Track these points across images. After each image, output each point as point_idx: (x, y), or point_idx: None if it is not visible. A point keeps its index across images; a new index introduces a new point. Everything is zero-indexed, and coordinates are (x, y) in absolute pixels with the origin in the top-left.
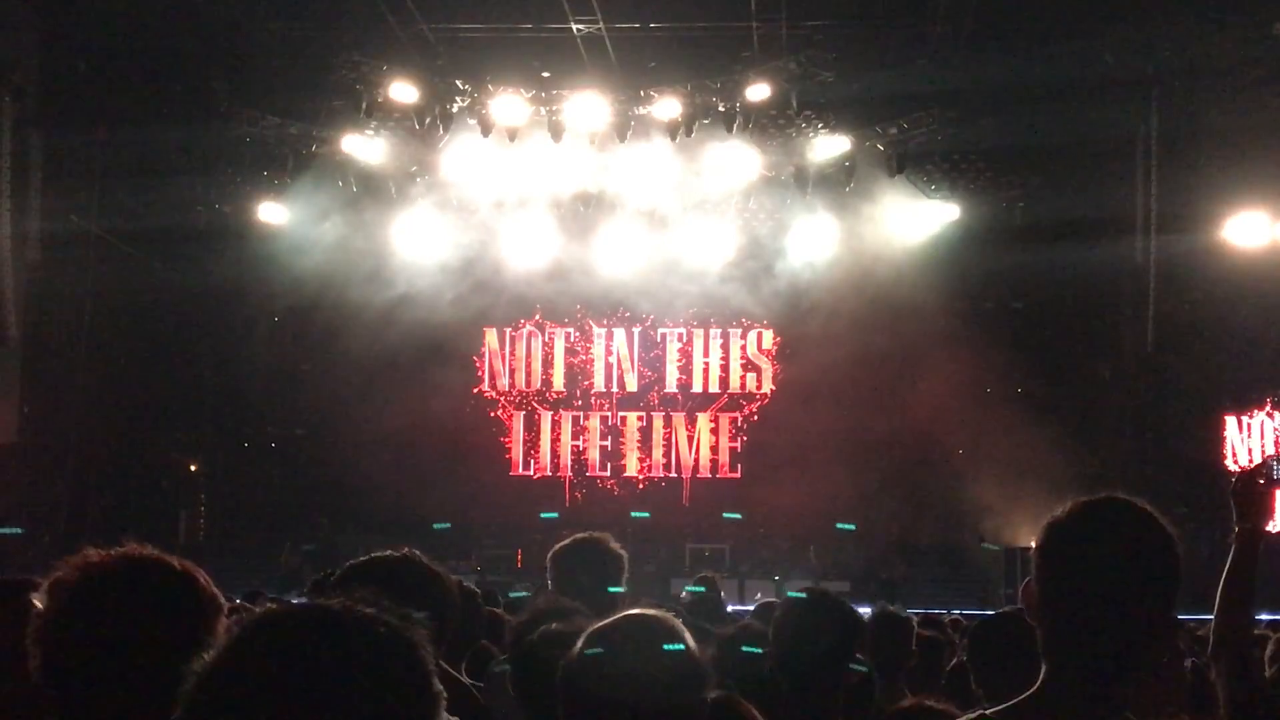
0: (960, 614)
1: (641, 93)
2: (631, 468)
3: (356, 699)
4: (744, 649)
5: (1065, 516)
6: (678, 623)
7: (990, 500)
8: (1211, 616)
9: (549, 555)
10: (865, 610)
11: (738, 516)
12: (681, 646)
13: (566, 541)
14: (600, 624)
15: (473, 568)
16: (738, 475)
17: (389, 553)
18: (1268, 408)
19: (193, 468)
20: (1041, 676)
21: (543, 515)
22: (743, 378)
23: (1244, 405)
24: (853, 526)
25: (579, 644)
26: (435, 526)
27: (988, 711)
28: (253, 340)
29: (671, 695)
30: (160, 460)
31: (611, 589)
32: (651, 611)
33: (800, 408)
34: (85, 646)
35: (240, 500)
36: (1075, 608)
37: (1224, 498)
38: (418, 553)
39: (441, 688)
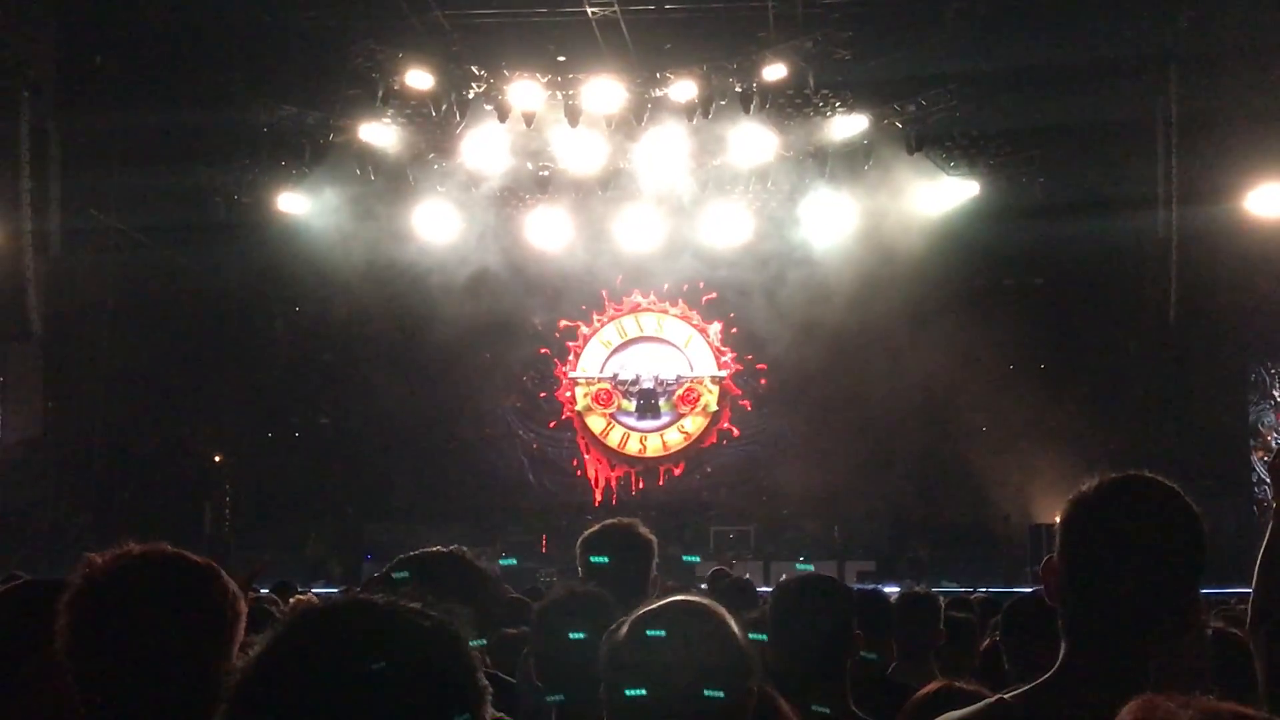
0: (986, 592)
1: (658, 75)
2: (653, 448)
3: (403, 693)
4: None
5: (1091, 493)
6: (720, 609)
7: (1014, 476)
8: (1244, 590)
9: (578, 541)
10: (893, 590)
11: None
12: (730, 636)
13: (595, 528)
14: (646, 609)
15: (496, 554)
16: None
17: (435, 548)
18: None
19: (217, 459)
20: (1061, 657)
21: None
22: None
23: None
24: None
25: (624, 629)
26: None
27: (1007, 695)
28: (274, 330)
29: (717, 685)
30: (184, 453)
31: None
32: (699, 599)
33: (821, 388)
34: (107, 646)
35: (265, 491)
36: (1100, 585)
37: (1247, 471)
38: (463, 548)
39: (486, 682)
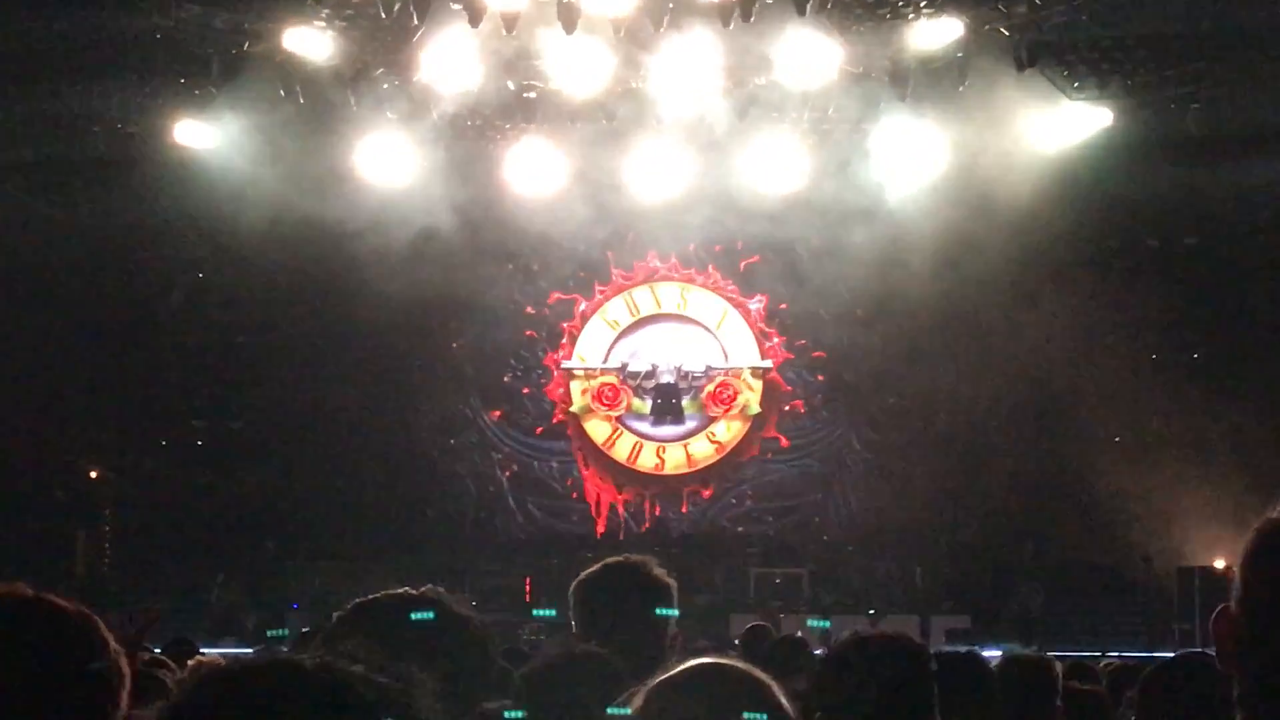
0: (1120, 657)
1: None
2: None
3: None
4: None
5: None
6: (764, 678)
7: (1157, 504)
8: None
9: (573, 586)
10: (994, 654)
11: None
12: (774, 711)
13: (596, 568)
14: (664, 677)
15: (467, 602)
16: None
17: (403, 591)
18: None
19: (94, 475)
20: None
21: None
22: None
23: None
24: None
25: (637, 702)
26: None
27: None
28: (170, 304)
29: None
30: (53, 465)
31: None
32: (734, 663)
33: (896, 384)
34: None
35: (157, 517)
36: None
37: None
38: (440, 590)
39: None
